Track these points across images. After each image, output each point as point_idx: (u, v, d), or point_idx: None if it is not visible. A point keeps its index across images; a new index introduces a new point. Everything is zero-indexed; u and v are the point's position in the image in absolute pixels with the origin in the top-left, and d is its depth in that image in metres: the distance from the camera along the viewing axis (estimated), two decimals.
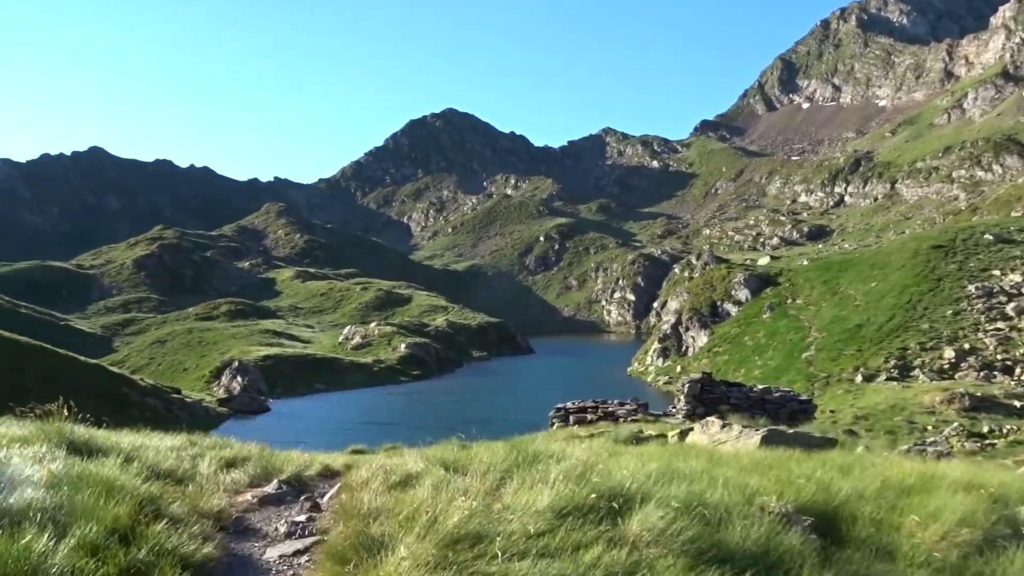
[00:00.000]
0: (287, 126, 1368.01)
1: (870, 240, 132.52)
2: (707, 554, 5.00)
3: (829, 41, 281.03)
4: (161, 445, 9.22)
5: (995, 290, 65.97)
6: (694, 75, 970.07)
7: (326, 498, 7.31)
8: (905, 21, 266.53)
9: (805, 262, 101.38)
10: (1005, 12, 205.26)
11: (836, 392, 53.84)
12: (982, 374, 52.43)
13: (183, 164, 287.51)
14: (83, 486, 5.63)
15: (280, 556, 5.74)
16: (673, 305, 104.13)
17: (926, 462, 10.91)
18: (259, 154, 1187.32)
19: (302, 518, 6.57)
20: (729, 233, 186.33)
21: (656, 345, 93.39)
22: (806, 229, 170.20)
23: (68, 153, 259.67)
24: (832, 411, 42.22)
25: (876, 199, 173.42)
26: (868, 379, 55.87)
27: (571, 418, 27.17)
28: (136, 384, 67.81)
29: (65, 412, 8.45)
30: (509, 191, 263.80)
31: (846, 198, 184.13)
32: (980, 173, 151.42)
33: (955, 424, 35.68)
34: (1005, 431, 33.95)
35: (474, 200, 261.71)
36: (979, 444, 31.98)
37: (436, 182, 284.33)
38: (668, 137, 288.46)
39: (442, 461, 7.45)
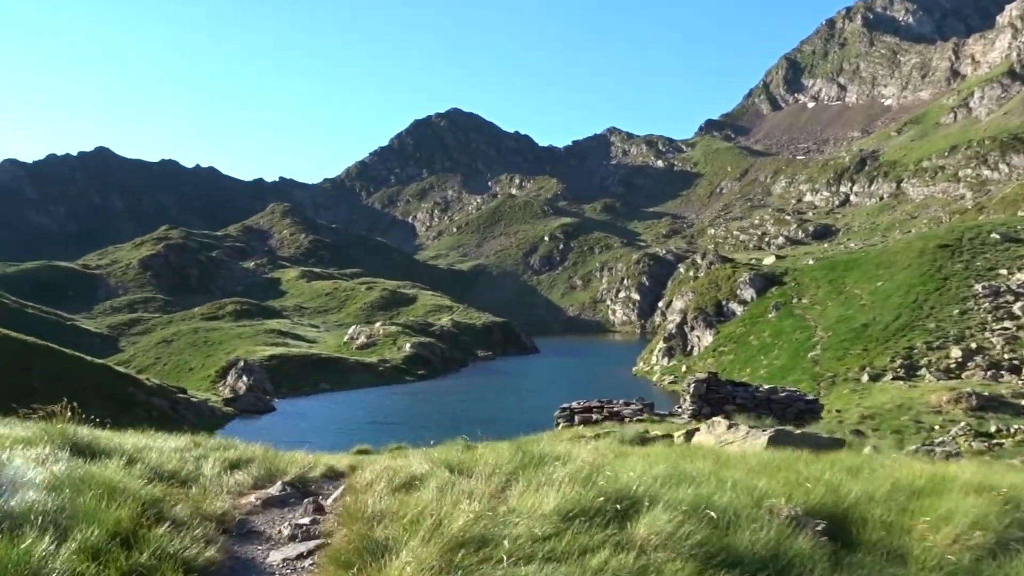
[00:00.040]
0: (292, 126, 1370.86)
1: (876, 239, 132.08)
2: (716, 558, 4.93)
3: (834, 40, 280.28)
4: (165, 446, 9.18)
5: (1002, 289, 65.65)
6: (699, 75, 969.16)
7: (330, 500, 7.25)
8: (911, 20, 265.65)
9: (811, 261, 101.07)
10: (1012, 11, 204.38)
11: (842, 392, 53.62)
12: (989, 373, 52.17)
13: (188, 164, 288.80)
14: (85, 488, 5.59)
15: (284, 559, 5.68)
16: (678, 305, 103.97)
17: (935, 463, 10.82)
18: (264, 154, 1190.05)
19: (306, 521, 6.52)
20: (734, 233, 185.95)
21: (661, 345, 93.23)
22: (811, 228, 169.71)
23: (74, 153, 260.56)
24: (838, 411, 42.05)
25: (882, 198, 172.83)
26: (874, 378, 55.64)
27: (576, 418, 27.10)
28: (142, 384, 67.93)
29: (69, 413, 8.42)
30: (514, 191, 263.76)
31: (852, 197, 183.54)
32: (986, 172, 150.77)
33: (962, 424, 35.52)
34: (1012, 431, 33.79)
35: (479, 200, 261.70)
36: (986, 444, 31.83)
37: (441, 182, 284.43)
38: (673, 137, 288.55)
39: (447, 463, 7.39)
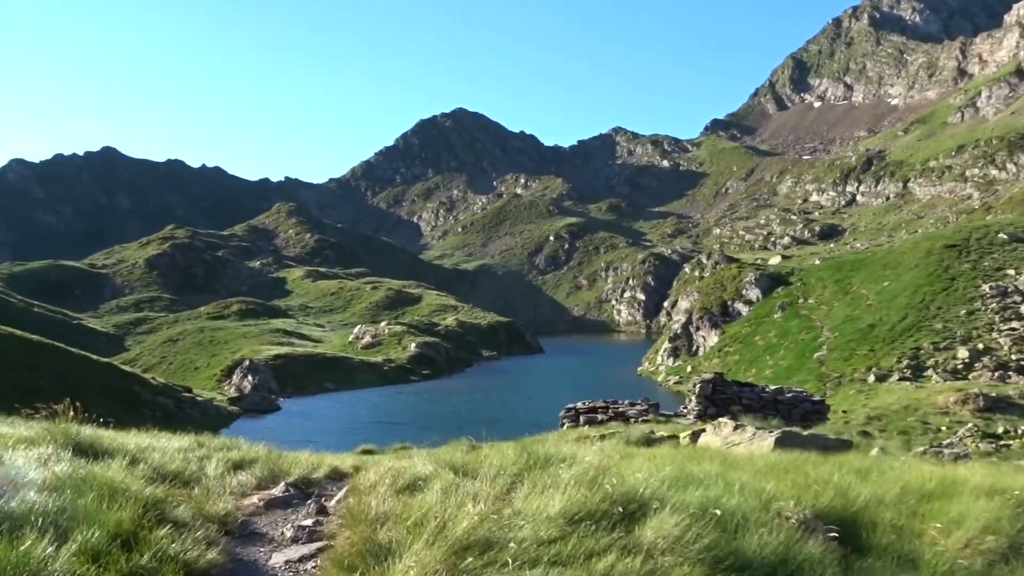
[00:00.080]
0: (298, 127, 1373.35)
1: (882, 239, 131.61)
2: (724, 562, 4.86)
3: (841, 40, 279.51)
4: (168, 446, 9.14)
5: (1010, 289, 65.34)
6: (704, 74, 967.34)
7: (333, 502, 7.19)
8: (918, 19, 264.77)
9: (817, 261, 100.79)
10: (1020, 10, 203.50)
11: (848, 392, 53.44)
12: (996, 374, 51.93)
13: (195, 164, 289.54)
14: (87, 489, 5.54)
15: (286, 562, 5.62)
16: (683, 305, 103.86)
17: (944, 465, 10.72)
18: (270, 154, 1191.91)
19: (309, 522, 6.46)
20: (740, 232, 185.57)
21: (666, 345, 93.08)
22: (817, 228, 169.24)
23: (81, 153, 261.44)
24: (844, 411, 41.89)
25: (888, 198, 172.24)
26: (881, 379, 55.45)
27: (581, 418, 27.03)
28: (148, 383, 68.10)
29: (72, 412, 8.38)
30: (519, 191, 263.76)
31: (858, 197, 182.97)
32: (994, 172, 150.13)
33: (969, 425, 35.32)
34: (1020, 432, 33.60)
35: (484, 200, 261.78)
36: (994, 445, 31.66)
37: (446, 182, 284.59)
38: (678, 136, 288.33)
39: (451, 464, 7.33)
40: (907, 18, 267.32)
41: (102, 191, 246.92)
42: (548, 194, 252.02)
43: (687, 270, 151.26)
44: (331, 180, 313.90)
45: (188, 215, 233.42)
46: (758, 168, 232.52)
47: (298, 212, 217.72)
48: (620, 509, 5.45)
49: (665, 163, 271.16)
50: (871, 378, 56.13)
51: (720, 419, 16.75)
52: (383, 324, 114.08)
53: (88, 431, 8.16)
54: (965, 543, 5.76)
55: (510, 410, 68.24)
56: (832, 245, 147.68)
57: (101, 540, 4.74)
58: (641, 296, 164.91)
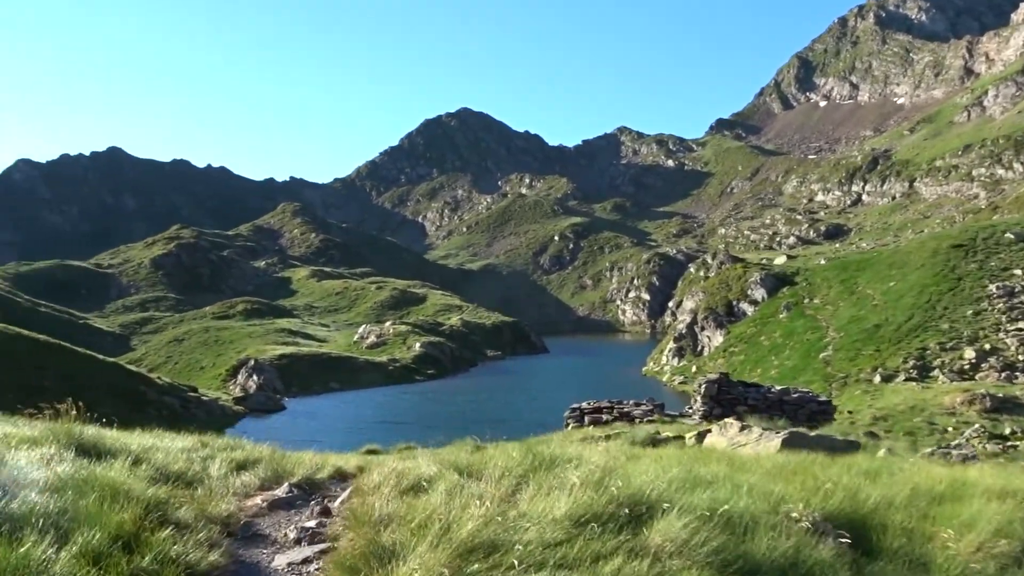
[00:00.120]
0: (303, 126, 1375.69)
1: (888, 239, 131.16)
2: (733, 566, 4.78)
3: (847, 39, 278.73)
4: (172, 446, 9.10)
5: (1016, 289, 65.02)
6: (710, 73, 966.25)
7: (337, 503, 7.14)
8: (924, 18, 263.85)
9: (822, 261, 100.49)
10: None
11: (854, 393, 53.25)
12: (1003, 375, 51.70)
13: (200, 164, 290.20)
14: (88, 490, 5.50)
15: (289, 564, 5.57)
16: (688, 305, 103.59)
17: (953, 466, 10.62)
18: (275, 154, 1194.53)
19: (312, 523, 6.40)
20: (745, 232, 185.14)
21: (671, 345, 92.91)
22: (823, 228, 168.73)
23: (87, 154, 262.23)
24: (850, 412, 41.76)
25: (894, 198, 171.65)
26: (887, 379, 55.23)
27: (586, 418, 26.95)
28: (153, 382, 68.24)
29: (75, 412, 8.35)
30: (524, 190, 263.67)
31: (864, 197, 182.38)
32: (1000, 171, 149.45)
33: (976, 425, 35.17)
34: None
35: (489, 199, 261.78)
36: (1001, 446, 31.53)
37: (451, 181, 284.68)
38: (683, 136, 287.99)
39: (456, 465, 7.27)
40: (913, 17, 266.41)
41: (108, 191, 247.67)
42: (553, 194, 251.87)
43: (692, 270, 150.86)
44: (336, 180, 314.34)
45: (194, 215, 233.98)
46: (763, 168, 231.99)
47: (303, 212, 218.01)
48: (627, 511, 5.38)
49: (670, 163, 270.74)
50: (877, 378, 55.92)
51: (726, 420, 16.66)
52: (388, 324, 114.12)
53: (91, 431, 8.13)
54: (977, 547, 5.68)
55: (515, 410, 68.17)
56: (838, 245, 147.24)
57: (102, 542, 4.69)
58: (646, 296, 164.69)
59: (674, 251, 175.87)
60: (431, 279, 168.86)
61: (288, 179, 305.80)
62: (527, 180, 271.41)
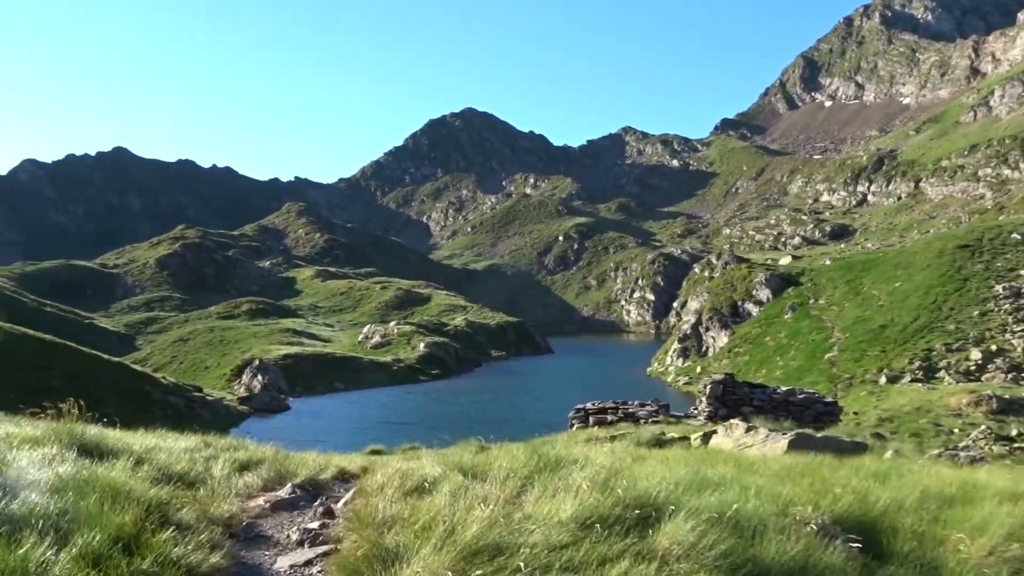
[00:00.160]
0: (307, 127, 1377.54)
1: (894, 239, 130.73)
2: (741, 570, 4.70)
3: (852, 38, 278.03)
4: (175, 447, 9.06)
5: (1023, 290, 64.71)
6: (715, 73, 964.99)
7: (340, 504, 7.07)
8: (930, 18, 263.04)
9: (827, 262, 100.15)
10: None
11: (859, 394, 53.03)
12: (1010, 376, 51.40)
13: (205, 164, 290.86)
14: (89, 491, 5.45)
15: (291, 566, 5.51)
16: (693, 305, 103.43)
17: (961, 468, 10.52)
18: (279, 154, 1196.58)
19: (315, 525, 6.34)
20: (750, 232, 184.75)
21: (676, 345, 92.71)
22: (828, 228, 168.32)
23: (92, 154, 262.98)
24: (855, 413, 41.55)
25: (900, 198, 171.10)
26: (892, 380, 54.99)
27: (591, 419, 26.86)
28: (158, 382, 68.29)
29: (77, 411, 8.30)
30: (528, 190, 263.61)
31: (869, 197, 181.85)
32: (1007, 171, 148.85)
33: (982, 427, 34.95)
34: None
35: (493, 199, 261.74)
36: (1007, 448, 31.33)
37: (455, 181, 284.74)
38: (688, 136, 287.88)
39: (460, 466, 7.20)
40: (919, 16, 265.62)
41: (113, 191, 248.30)
42: (557, 194, 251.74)
43: (697, 270, 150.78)
44: (341, 180, 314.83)
45: (199, 215, 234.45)
46: (768, 168, 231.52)
47: (308, 212, 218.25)
48: (633, 514, 5.30)
49: (675, 163, 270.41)
50: (882, 379, 55.69)
51: (732, 420, 16.57)
52: (392, 324, 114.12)
53: (94, 431, 8.08)
54: (989, 551, 5.59)
55: (519, 410, 68.07)
56: (843, 245, 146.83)
57: (102, 543, 4.64)
58: (650, 296, 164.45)
59: (679, 251, 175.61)
60: (435, 279, 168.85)
61: (293, 179, 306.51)
62: (532, 180, 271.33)
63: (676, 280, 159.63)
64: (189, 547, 5.12)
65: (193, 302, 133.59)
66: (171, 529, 5.26)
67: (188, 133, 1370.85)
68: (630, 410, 26.83)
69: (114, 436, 8.58)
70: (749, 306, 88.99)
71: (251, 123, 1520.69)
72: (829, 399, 27.70)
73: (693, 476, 6.62)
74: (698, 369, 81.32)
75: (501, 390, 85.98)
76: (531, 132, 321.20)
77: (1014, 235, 76.21)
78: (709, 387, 26.47)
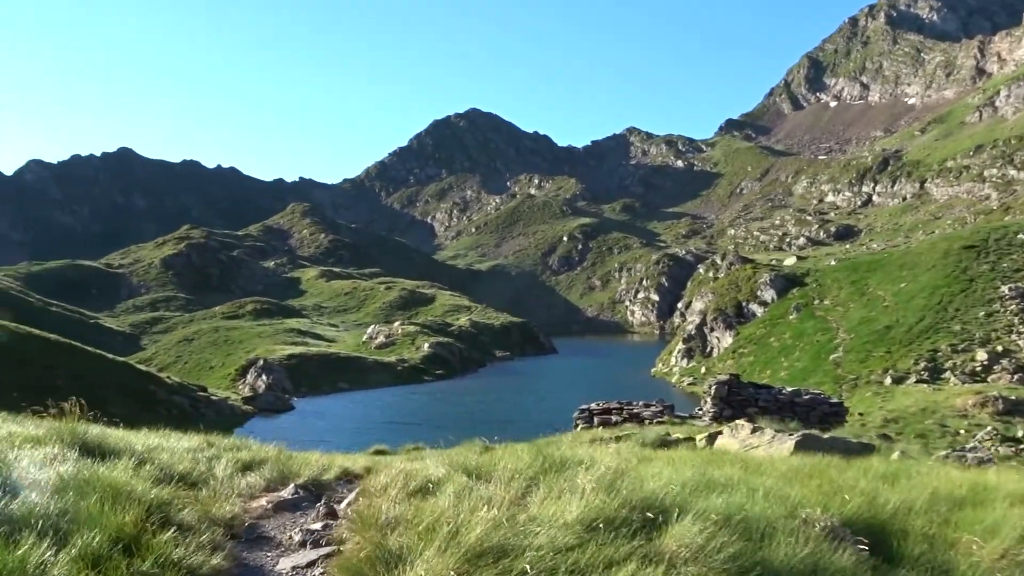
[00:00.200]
0: (312, 127, 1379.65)
1: (899, 240, 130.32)
2: (750, 573, 4.62)
3: (857, 39, 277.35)
4: (177, 446, 9.01)
5: None
6: (719, 74, 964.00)
7: (343, 504, 7.01)
8: (935, 18, 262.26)
9: (832, 262, 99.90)
10: None
11: (865, 394, 52.87)
12: (1016, 377, 51.19)
13: (210, 165, 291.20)
14: (90, 491, 5.40)
15: (293, 567, 5.45)
16: (698, 306, 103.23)
17: (970, 470, 10.43)
18: (284, 155, 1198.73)
19: (318, 526, 6.28)
20: (754, 233, 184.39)
21: (680, 346, 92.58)
22: (833, 229, 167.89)
23: (98, 154, 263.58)
24: (861, 414, 41.45)
25: (905, 199, 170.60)
26: (897, 381, 54.82)
27: (595, 419, 26.76)
28: (163, 382, 68.40)
29: (80, 411, 8.26)
30: (533, 191, 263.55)
31: (874, 198, 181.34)
32: (1012, 172, 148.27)
33: (988, 428, 34.81)
34: None
35: (497, 200, 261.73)
36: (1013, 449, 31.21)
37: (460, 182, 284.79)
38: (693, 136, 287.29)
39: (464, 466, 7.13)
40: (924, 17, 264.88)
41: (119, 191, 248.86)
42: (562, 194, 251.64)
43: (701, 271, 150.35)
44: (345, 180, 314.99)
45: (204, 215, 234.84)
46: (773, 168, 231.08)
47: (312, 212, 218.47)
48: (640, 516, 5.23)
49: (679, 163, 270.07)
50: (888, 380, 55.51)
51: (737, 421, 16.48)
52: (397, 324, 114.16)
53: (96, 430, 8.04)
54: (1001, 554, 5.51)
55: (523, 411, 68.01)
56: (848, 246, 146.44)
57: (102, 544, 4.59)
58: (655, 297, 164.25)
59: (683, 252, 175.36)
60: (440, 279, 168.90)
61: (298, 179, 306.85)
62: (536, 181, 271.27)
63: (680, 281, 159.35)
64: (190, 548, 5.06)
65: (198, 302, 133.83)
66: (172, 530, 5.20)
67: (190, 134, 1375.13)
68: (635, 411, 26.72)
69: (116, 436, 8.54)
70: (754, 307, 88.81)
71: (254, 124, 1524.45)
72: (835, 400, 27.57)
73: (700, 477, 6.55)
74: (703, 370, 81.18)
75: (505, 390, 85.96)
76: (535, 133, 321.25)
77: (1020, 236, 75.93)
78: (714, 388, 26.35)
